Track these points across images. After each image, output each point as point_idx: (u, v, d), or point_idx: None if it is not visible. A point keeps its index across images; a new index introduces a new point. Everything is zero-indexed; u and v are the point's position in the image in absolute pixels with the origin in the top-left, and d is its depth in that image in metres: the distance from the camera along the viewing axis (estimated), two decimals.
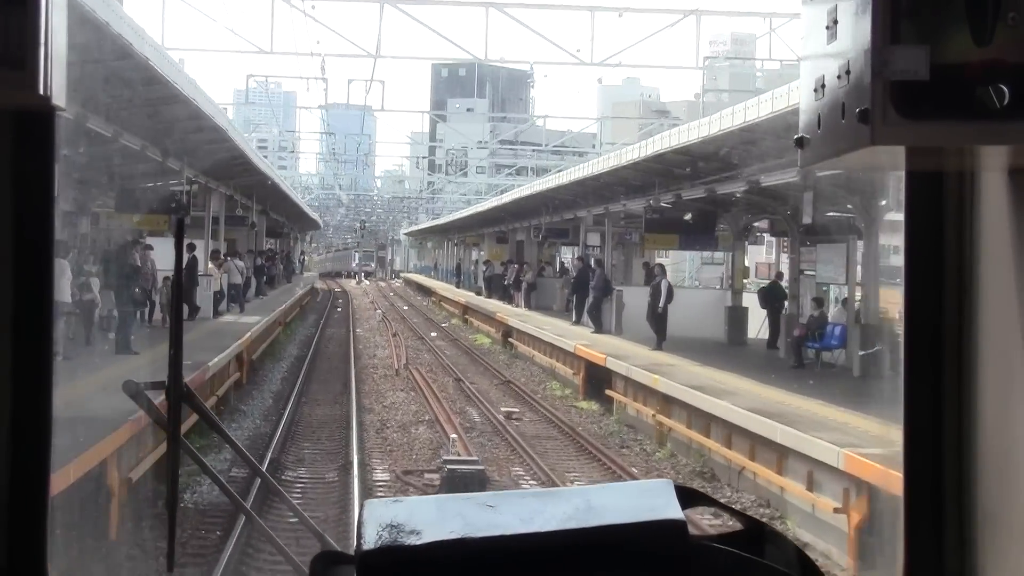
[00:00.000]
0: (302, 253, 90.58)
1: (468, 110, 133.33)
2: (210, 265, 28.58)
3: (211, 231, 31.07)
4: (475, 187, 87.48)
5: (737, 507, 9.93)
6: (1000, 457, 1.52)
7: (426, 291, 73.25)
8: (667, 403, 19.03)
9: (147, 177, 25.12)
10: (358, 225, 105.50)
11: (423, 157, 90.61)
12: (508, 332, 36.19)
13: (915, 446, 1.63)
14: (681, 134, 21.22)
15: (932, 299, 1.61)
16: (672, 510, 1.44)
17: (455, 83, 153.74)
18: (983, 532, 1.56)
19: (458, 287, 64.09)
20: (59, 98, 1.32)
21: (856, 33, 1.29)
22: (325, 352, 33.75)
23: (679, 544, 1.42)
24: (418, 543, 1.39)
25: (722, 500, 2.19)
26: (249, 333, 24.86)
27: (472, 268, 64.97)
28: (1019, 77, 1.24)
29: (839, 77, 1.33)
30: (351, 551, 1.45)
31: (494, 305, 44.04)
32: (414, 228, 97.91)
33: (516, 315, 37.64)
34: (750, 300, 27.93)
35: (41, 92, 1.28)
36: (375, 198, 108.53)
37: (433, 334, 42.80)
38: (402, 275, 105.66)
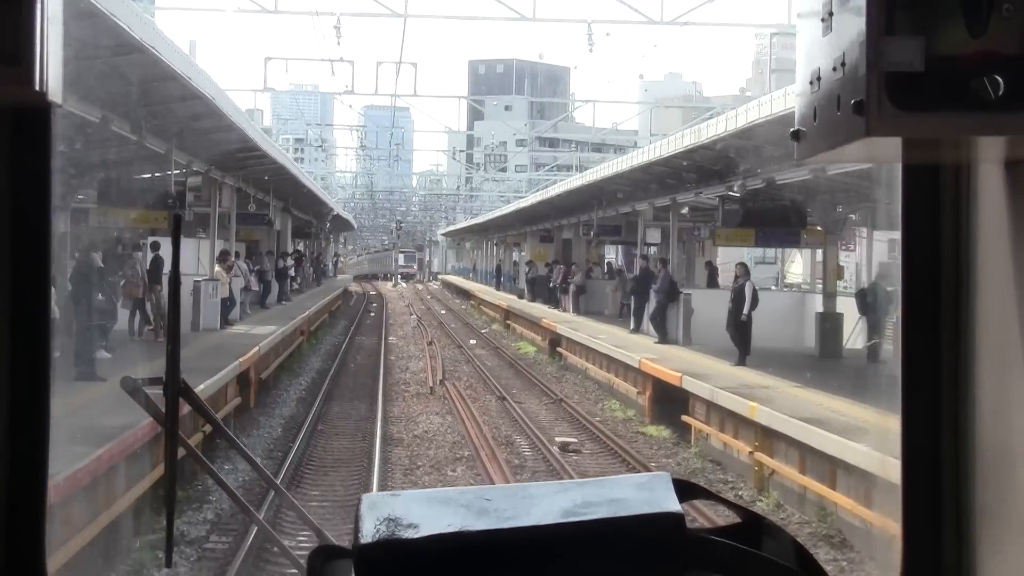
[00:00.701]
0: (335, 255, 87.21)
1: (506, 108, 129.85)
2: (216, 268, 24.88)
3: (222, 229, 27.42)
4: (513, 185, 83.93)
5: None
6: (998, 452, 1.50)
7: (464, 294, 69.47)
8: (769, 438, 15.07)
9: (136, 166, 21.42)
10: (394, 226, 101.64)
11: (460, 150, 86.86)
12: (556, 340, 32.32)
13: (912, 441, 1.61)
14: (775, 103, 17.18)
15: (929, 291, 1.60)
16: (670, 503, 1.44)
17: (493, 80, 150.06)
18: (981, 527, 1.55)
19: (498, 289, 60.30)
20: (55, 94, 1.31)
21: (851, 25, 1.28)
22: (352, 365, 29.99)
23: (677, 536, 1.41)
24: (416, 536, 1.39)
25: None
26: (256, 348, 21.14)
27: (512, 269, 61.18)
28: (1014, 68, 1.23)
29: (834, 69, 1.33)
30: (349, 545, 1.44)
31: (538, 310, 40.17)
32: (452, 228, 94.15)
33: (564, 321, 33.75)
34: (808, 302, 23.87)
35: (37, 88, 1.28)
36: (411, 196, 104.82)
37: (472, 341, 39.04)
38: (439, 277, 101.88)
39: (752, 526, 1.51)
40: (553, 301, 41.05)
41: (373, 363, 30.46)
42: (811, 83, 1.40)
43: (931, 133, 1.30)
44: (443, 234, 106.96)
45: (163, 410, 1.99)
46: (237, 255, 28.43)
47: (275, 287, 35.88)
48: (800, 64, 1.45)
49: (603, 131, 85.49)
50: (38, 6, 1.27)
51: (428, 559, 1.39)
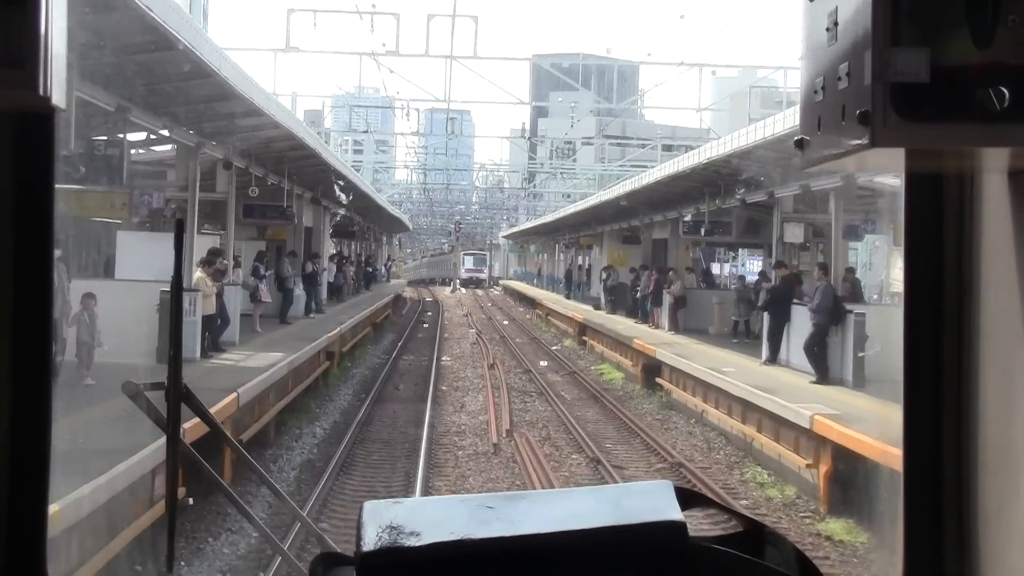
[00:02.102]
0: (388, 258, 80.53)
1: (572, 104, 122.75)
2: (197, 274, 17.92)
3: (214, 222, 20.56)
4: (581, 184, 76.86)
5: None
6: (1000, 458, 1.51)
7: (529, 302, 62.23)
8: None
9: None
10: (452, 227, 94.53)
11: (528, 138, 79.96)
12: (653, 367, 25.04)
13: (915, 446, 1.61)
14: None
15: (932, 301, 1.60)
16: (672, 511, 1.44)
17: (557, 77, 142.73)
18: (983, 533, 1.55)
19: (568, 298, 53.06)
20: (59, 98, 1.30)
21: (857, 35, 1.29)
22: (389, 406, 22.74)
23: (679, 545, 1.41)
24: (418, 544, 1.39)
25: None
26: (234, 395, 14.12)
27: (582, 275, 53.94)
28: (1019, 79, 1.23)
29: (839, 79, 1.33)
30: (351, 553, 1.45)
31: (622, 324, 32.87)
32: (514, 229, 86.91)
33: (662, 342, 26.45)
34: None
35: (41, 92, 1.27)
36: (470, 194, 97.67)
37: (543, 363, 31.91)
38: (500, 282, 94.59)
39: (754, 535, 1.51)
40: (640, 314, 33.76)
41: (418, 398, 23.40)
42: (815, 92, 1.41)
43: (936, 144, 1.30)
44: (505, 236, 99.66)
45: (165, 415, 1.98)
46: (233, 258, 21.57)
47: (302, 296, 29.01)
48: (805, 73, 1.46)
49: (673, 130, 79.61)
50: (42, 10, 1.26)
51: (430, 567, 1.39)
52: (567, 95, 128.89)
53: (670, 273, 30.32)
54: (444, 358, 32.71)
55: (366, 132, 68.47)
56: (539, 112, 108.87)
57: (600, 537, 1.41)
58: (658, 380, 24.41)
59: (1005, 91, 1.22)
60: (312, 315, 29.31)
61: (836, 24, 1.35)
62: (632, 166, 73.29)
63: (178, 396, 1.97)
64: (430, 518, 1.44)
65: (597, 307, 41.74)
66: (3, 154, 1.49)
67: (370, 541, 1.39)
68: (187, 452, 2.09)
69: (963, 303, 1.59)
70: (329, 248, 37.72)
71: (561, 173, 77.69)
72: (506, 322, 51.09)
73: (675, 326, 29.43)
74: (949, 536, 1.61)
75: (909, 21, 1.24)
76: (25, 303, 1.53)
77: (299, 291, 28.47)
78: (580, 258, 57.49)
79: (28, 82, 1.25)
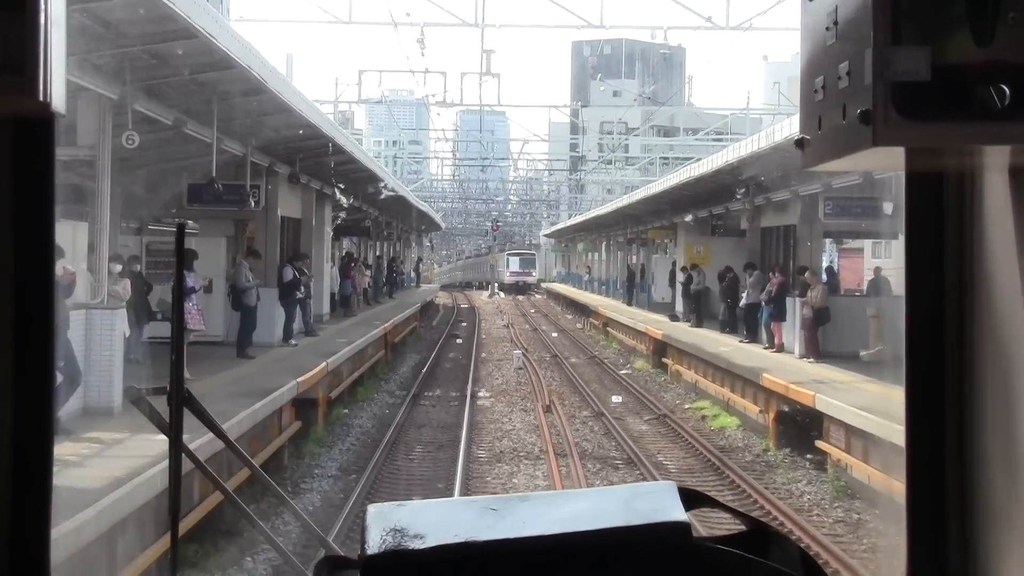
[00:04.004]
0: (419, 260, 71.98)
1: (615, 94, 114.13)
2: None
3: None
4: (628, 177, 68.31)
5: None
6: (1003, 458, 1.50)
7: (579, 308, 53.36)
8: None
9: None
10: (489, 225, 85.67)
11: (566, 103, 71.58)
12: (807, 421, 16.22)
13: (917, 447, 1.59)
14: None
15: (933, 300, 1.59)
16: (676, 511, 1.45)
17: (599, 63, 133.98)
18: (987, 532, 1.54)
19: (629, 304, 44.25)
20: (59, 104, 1.30)
21: (857, 34, 1.29)
22: (394, 496, 14.17)
23: (683, 545, 1.42)
24: (422, 547, 1.39)
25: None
26: None
27: (648, 277, 45.12)
28: (1020, 77, 1.24)
29: (840, 78, 1.33)
30: (355, 556, 1.45)
31: (727, 346, 24.08)
32: (559, 226, 78.02)
33: (811, 378, 17.62)
34: None
35: (41, 98, 1.27)
36: (508, 187, 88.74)
37: (615, 399, 23.32)
38: (542, 284, 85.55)
39: (758, 535, 1.52)
40: (746, 329, 24.96)
41: (442, 475, 14.76)
42: (815, 91, 1.41)
43: (937, 142, 1.30)
44: (546, 235, 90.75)
45: (167, 420, 1.98)
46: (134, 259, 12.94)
47: (281, 315, 20.44)
48: (804, 72, 1.45)
49: (722, 119, 72.21)
50: (42, 16, 1.26)
51: (434, 569, 1.39)
52: (610, 83, 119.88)
53: (806, 274, 21.33)
54: (481, 393, 24.07)
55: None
56: (581, 101, 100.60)
57: (604, 538, 1.41)
58: (821, 444, 15.50)
59: (1006, 89, 1.21)
60: (293, 341, 20.69)
61: (836, 23, 1.35)
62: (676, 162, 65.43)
63: (180, 400, 1.95)
64: (434, 520, 1.44)
65: (674, 317, 32.95)
66: (3, 161, 1.48)
67: (374, 544, 1.39)
68: (190, 457, 2.07)
69: (964, 302, 1.56)
70: (329, 248, 29.06)
71: (614, 160, 69.04)
72: (555, 334, 42.42)
73: (812, 350, 20.52)
74: (953, 536, 1.56)
75: (909, 20, 1.24)
76: (26, 310, 1.51)
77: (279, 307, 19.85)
78: (632, 257, 48.80)
79: (28, 88, 1.25)
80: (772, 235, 26.74)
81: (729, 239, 32.18)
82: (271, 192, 20.10)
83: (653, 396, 24.08)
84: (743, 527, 1.53)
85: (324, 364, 17.94)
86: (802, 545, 1.55)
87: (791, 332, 21.75)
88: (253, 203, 17.66)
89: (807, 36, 1.45)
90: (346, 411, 19.96)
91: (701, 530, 1.60)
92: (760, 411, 18.51)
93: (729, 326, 27.12)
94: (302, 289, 21.27)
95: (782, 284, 22.12)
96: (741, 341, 24.67)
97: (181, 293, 2.05)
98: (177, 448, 1.97)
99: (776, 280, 22.31)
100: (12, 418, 1.50)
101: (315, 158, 21.62)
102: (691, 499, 1.48)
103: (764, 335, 23.58)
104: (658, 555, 1.41)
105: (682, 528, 1.41)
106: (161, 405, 1.96)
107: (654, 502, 1.46)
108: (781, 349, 21.97)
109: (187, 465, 2.03)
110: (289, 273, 20.90)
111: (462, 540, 1.39)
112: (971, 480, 1.56)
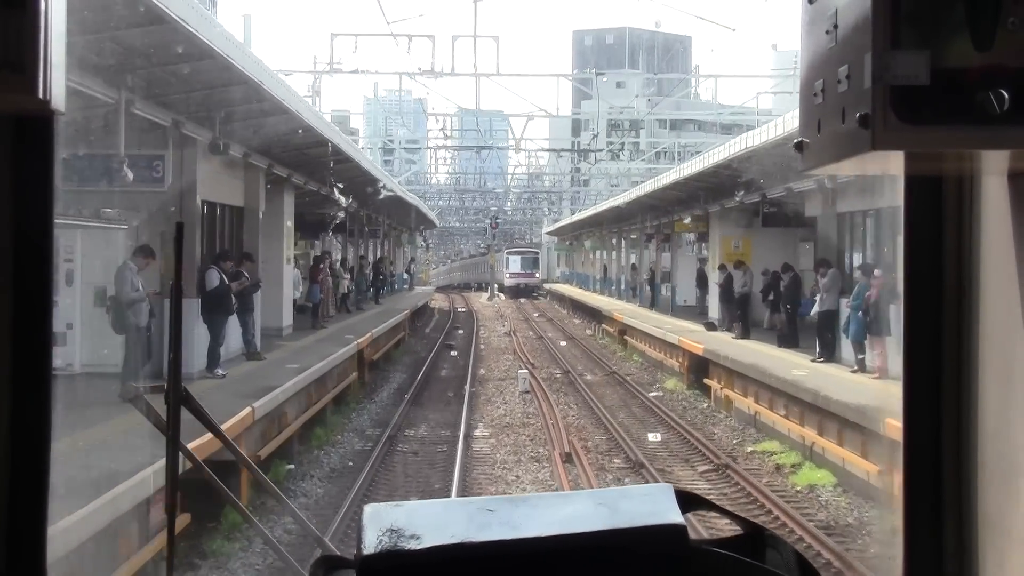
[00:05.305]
0: (411, 260, 66.34)
1: (618, 84, 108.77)
2: None
3: None
4: (635, 168, 62.94)
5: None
6: (1001, 462, 1.49)
7: (588, 312, 47.73)
8: None
9: None
10: (488, 223, 79.93)
11: (575, 114, 66.26)
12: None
13: (914, 451, 1.58)
14: None
15: (932, 304, 1.58)
16: (672, 514, 1.43)
17: (601, 53, 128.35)
18: (983, 537, 1.53)
19: (652, 308, 38.67)
20: (59, 102, 1.29)
21: (857, 38, 1.28)
22: None
23: (679, 548, 1.40)
24: (419, 547, 1.38)
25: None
26: None
27: (665, 279, 39.60)
28: (1019, 82, 1.23)
29: (839, 81, 1.32)
30: (351, 555, 1.44)
31: (795, 364, 18.53)
32: (563, 222, 72.31)
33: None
34: None
35: (40, 96, 1.25)
36: (508, 183, 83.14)
37: (652, 437, 17.91)
38: (545, 285, 79.72)
39: (755, 538, 1.50)
40: (819, 344, 19.44)
41: None
42: (815, 94, 1.40)
43: (936, 146, 1.30)
44: (549, 232, 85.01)
45: (164, 418, 1.96)
46: None
47: (202, 335, 14.85)
48: (804, 75, 1.45)
49: (729, 110, 68.18)
50: (42, 14, 1.25)
51: (431, 570, 1.38)
52: (612, 73, 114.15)
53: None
54: (478, 431, 18.55)
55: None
56: (581, 95, 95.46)
57: (600, 540, 1.40)
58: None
59: (1005, 94, 1.21)
60: (220, 371, 15.11)
61: (836, 26, 1.34)
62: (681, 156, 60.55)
63: (178, 399, 1.94)
64: (431, 521, 1.43)
65: (710, 326, 27.43)
66: (3, 158, 1.47)
67: (370, 544, 1.37)
68: (187, 455, 2.06)
69: (963, 306, 1.56)
70: (291, 246, 23.48)
71: (622, 150, 63.56)
72: (563, 343, 36.97)
73: None
74: (949, 541, 1.55)
75: (909, 24, 1.23)
76: (25, 308, 1.50)
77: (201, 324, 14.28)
78: (652, 254, 43.29)
79: (28, 86, 1.24)
80: (849, 222, 21.12)
81: (774, 231, 26.79)
82: (185, 166, 14.53)
83: (701, 432, 18.60)
84: (739, 530, 1.51)
85: (249, 410, 12.39)
86: (799, 548, 1.53)
87: (897, 352, 16.20)
88: (131, 176, 12.00)
89: (807, 39, 1.44)
90: (290, 467, 14.43)
91: (701, 532, 1.76)
92: (880, 472, 12.91)
93: (789, 339, 21.58)
94: (234, 300, 15.65)
95: (881, 287, 16.53)
96: (814, 360, 19.15)
97: (180, 291, 1.98)
98: (175, 447, 1.95)
99: (878, 281, 16.72)
100: (10, 416, 1.48)
101: (244, 120, 16.00)
102: (688, 502, 1.46)
103: (849, 353, 18.06)
104: (654, 558, 1.40)
105: (678, 531, 1.40)
106: (159, 404, 1.92)
107: (651, 505, 1.45)
108: (885, 374, 16.39)
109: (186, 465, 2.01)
110: (215, 278, 15.35)
111: (458, 541, 1.38)
112: (968, 483, 1.54)
